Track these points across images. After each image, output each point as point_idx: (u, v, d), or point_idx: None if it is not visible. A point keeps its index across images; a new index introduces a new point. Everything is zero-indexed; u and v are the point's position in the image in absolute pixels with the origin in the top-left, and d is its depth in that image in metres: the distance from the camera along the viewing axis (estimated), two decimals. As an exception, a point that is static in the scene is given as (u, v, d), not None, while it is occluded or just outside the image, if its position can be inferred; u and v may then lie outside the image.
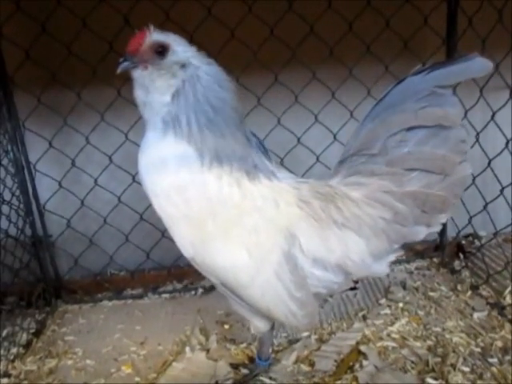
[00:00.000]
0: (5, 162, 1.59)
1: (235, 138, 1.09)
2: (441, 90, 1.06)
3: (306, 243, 1.11)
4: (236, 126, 1.10)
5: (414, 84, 1.07)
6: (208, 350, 1.46)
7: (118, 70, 1.07)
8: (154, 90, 1.07)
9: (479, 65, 1.04)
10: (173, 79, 1.07)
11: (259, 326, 1.25)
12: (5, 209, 1.57)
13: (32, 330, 1.65)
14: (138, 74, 1.08)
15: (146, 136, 1.11)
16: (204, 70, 1.08)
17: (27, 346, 1.58)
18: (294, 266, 1.11)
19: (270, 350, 1.40)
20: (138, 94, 1.10)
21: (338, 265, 1.13)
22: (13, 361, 1.49)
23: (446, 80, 1.06)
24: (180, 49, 1.08)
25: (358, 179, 1.12)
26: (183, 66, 1.07)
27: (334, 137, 1.75)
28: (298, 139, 1.77)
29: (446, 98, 1.06)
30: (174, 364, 1.39)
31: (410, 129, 1.07)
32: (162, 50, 1.06)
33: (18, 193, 1.66)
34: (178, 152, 1.06)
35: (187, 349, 1.46)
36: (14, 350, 1.53)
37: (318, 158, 1.78)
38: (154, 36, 1.07)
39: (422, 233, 1.14)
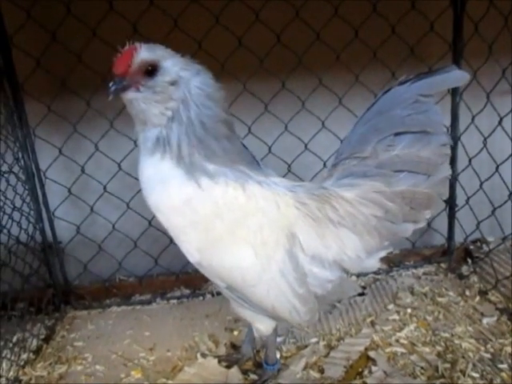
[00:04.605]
0: (16, 169, 1.61)
1: (226, 152, 1.09)
2: (424, 99, 1.12)
3: (305, 241, 1.16)
4: (227, 139, 1.09)
5: (400, 93, 1.14)
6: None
7: (110, 97, 1.01)
8: (151, 114, 1.04)
9: (456, 76, 1.12)
10: (170, 102, 1.03)
11: (262, 328, 1.27)
12: (16, 215, 1.58)
13: (42, 336, 1.66)
14: (131, 95, 1.03)
15: (140, 156, 1.09)
16: (194, 83, 1.05)
17: (37, 351, 1.59)
18: (296, 264, 1.15)
19: (278, 355, 1.41)
20: (134, 114, 1.07)
21: (334, 261, 1.18)
22: (23, 366, 1.50)
23: (428, 89, 1.12)
24: (169, 64, 1.03)
25: (350, 181, 1.17)
26: (174, 82, 1.03)
27: (341, 143, 1.75)
28: (305, 145, 1.78)
29: (429, 105, 1.13)
30: (185, 368, 1.39)
31: (397, 134, 1.13)
32: (151, 69, 1.01)
33: (28, 199, 1.67)
34: (170, 174, 1.06)
35: (198, 354, 1.46)
36: (24, 356, 1.54)
37: (325, 164, 1.79)
38: (142, 54, 1.01)
39: (409, 229, 1.20)
